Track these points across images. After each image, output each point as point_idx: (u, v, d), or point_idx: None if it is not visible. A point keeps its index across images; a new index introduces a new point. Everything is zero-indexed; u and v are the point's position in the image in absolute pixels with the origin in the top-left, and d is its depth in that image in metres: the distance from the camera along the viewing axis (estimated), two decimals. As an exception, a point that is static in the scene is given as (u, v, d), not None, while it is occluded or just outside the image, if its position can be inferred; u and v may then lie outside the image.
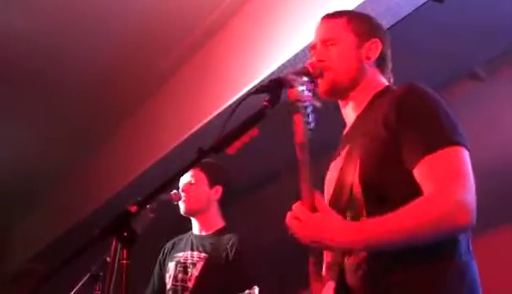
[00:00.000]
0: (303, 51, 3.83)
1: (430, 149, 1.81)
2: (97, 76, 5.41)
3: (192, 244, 3.49)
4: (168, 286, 3.41)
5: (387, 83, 2.16)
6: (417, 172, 1.82)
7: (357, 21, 2.20)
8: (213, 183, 3.56)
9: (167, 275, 3.47)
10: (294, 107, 1.85)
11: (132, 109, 5.93)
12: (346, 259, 1.93)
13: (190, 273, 3.37)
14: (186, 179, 3.52)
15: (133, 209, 1.80)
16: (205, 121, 4.79)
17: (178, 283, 3.36)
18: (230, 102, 4.49)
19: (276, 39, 4.17)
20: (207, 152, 1.86)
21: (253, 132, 1.84)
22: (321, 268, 1.96)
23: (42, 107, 5.85)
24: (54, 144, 6.47)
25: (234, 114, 1.90)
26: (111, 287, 1.78)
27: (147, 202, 1.89)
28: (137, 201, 1.84)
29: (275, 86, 1.88)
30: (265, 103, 1.86)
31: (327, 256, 2.01)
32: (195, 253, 3.42)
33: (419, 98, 1.91)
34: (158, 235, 3.53)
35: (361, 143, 1.97)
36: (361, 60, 2.14)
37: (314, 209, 1.82)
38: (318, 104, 1.91)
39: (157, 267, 3.59)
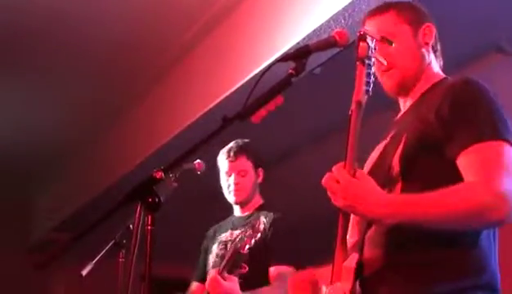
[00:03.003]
0: (328, 21, 3.80)
1: (481, 137, 1.80)
2: (124, 45, 5.42)
3: (233, 224, 3.58)
4: (211, 264, 3.50)
5: (443, 75, 2.13)
6: (462, 158, 1.81)
7: (406, 10, 2.15)
8: (256, 167, 3.63)
9: (210, 257, 3.56)
10: (361, 61, 1.83)
11: (157, 78, 5.93)
12: (366, 234, 1.92)
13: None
14: (235, 169, 3.55)
15: (158, 175, 1.81)
16: (230, 91, 4.79)
17: (218, 259, 3.44)
18: (254, 73, 4.47)
19: (300, 8, 4.13)
20: (232, 119, 1.85)
21: (279, 100, 1.84)
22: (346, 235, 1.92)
23: (66, 72, 5.86)
24: (78, 112, 6.49)
25: (259, 84, 1.88)
26: (135, 251, 1.79)
27: (171, 169, 1.90)
28: (162, 168, 1.85)
29: (301, 54, 1.87)
30: (291, 71, 1.84)
31: (353, 235, 1.97)
32: (235, 232, 3.48)
33: (474, 91, 1.90)
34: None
35: (410, 125, 1.96)
36: (420, 48, 2.11)
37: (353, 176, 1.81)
38: (385, 62, 1.92)
39: (202, 254, 3.68)
